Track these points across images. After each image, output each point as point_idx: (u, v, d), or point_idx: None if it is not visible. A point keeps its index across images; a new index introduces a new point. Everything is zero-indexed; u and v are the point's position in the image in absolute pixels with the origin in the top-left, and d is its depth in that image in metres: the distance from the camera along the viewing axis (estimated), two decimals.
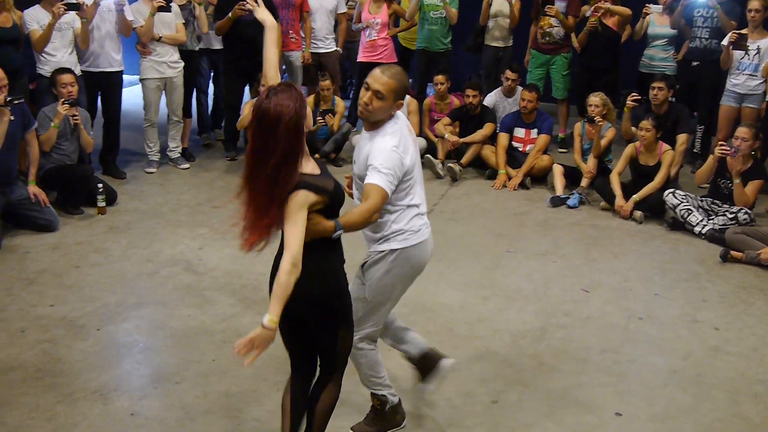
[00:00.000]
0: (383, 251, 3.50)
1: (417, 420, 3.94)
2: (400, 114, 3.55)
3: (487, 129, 8.06)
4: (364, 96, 3.38)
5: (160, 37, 7.49)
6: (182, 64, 7.75)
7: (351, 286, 3.41)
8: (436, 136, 8.30)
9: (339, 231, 3.10)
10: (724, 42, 7.55)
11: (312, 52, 8.81)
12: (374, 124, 3.45)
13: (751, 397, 4.23)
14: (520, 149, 7.97)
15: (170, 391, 4.10)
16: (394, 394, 3.80)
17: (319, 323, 3.21)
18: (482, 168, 8.11)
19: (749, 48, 7.45)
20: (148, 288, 5.27)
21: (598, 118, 7.32)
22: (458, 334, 4.78)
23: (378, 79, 3.35)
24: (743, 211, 6.45)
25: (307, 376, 3.41)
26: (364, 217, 3.21)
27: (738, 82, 7.64)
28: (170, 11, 7.42)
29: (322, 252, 3.12)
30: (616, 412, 4.06)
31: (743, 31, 7.42)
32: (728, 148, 6.48)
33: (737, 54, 7.56)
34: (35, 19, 6.83)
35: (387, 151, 3.32)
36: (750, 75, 7.56)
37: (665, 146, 7.00)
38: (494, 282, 5.55)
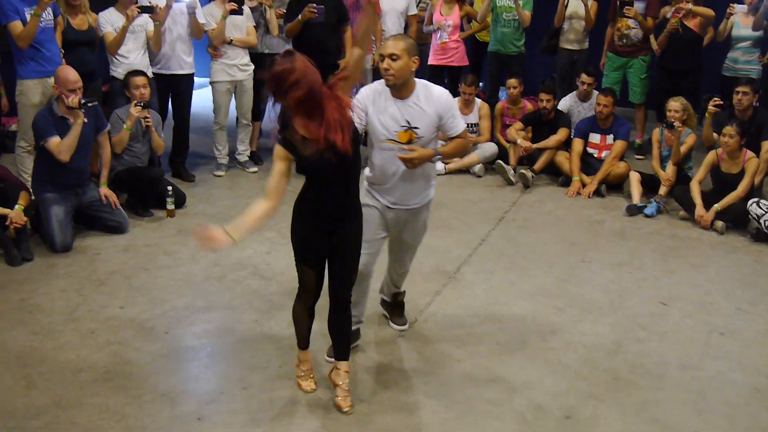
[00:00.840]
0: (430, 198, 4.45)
1: (487, 429, 3.82)
2: None
3: (561, 134, 7.88)
4: (384, 65, 3.91)
5: (231, 40, 7.52)
6: (252, 67, 7.76)
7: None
8: (508, 142, 8.16)
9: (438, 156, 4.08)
10: None
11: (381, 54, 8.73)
12: (404, 87, 3.99)
13: None
14: (596, 155, 7.77)
15: (237, 396, 4.05)
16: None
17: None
18: (556, 175, 7.93)
19: None
20: (216, 292, 5.26)
21: (678, 124, 7.09)
22: (530, 345, 4.64)
23: (388, 46, 3.93)
24: None
25: (317, 297, 3.99)
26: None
27: None
28: (242, 14, 7.46)
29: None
30: (695, 430, 3.88)
31: None
32: None
33: None
34: (109, 21, 6.92)
35: (450, 97, 4.13)
36: None
37: (749, 153, 6.74)
38: (568, 292, 5.39)
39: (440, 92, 4.08)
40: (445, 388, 4.17)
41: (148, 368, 4.30)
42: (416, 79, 4.05)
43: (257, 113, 8.23)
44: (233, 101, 7.86)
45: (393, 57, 3.88)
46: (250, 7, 7.69)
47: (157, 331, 4.69)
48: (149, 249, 5.96)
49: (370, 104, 4.04)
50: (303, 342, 4.10)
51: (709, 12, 8.14)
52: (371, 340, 4.66)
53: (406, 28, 8.99)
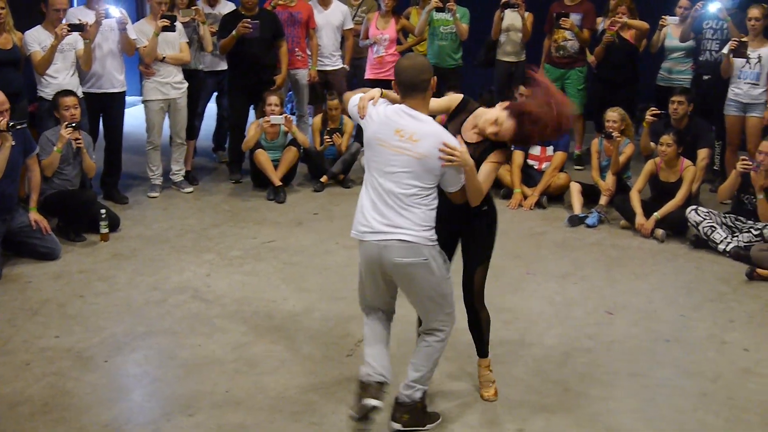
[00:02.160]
0: None
1: None
2: None
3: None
4: None
5: (164, 57, 7.35)
6: (186, 84, 7.61)
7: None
8: None
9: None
10: (725, 50, 7.50)
11: (318, 70, 8.68)
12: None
13: None
14: (536, 167, 7.79)
15: (183, 423, 3.92)
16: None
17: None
18: (497, 187, 7.91)
19: (750, 56, 7.35)
20: (156, 317, 5.09)
21: (616, 134, 7.16)
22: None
23: None
24: None
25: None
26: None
27: (740, 91, 7.55)
28: (174, 30, 7.29)
29: None
30: None
31: (743, 39, 7.32)
32: (750, 163, 6.33)
33: (738, 62, 7.48)
34: (37, 40, 6.69)
35: None
36: (752, 84, 7.48)
37: (686, 162, 6.86)
38: (514, 305, 5.37)
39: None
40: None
41: (88, 399, 4.13)
42: None
43: (191, 132, 8.06)
44: (167, 120, 7.67)
45: None
46: (182, 24, 7.52)
47: (96, 360, 4.52)
48: (83, 275, 5.76)
49: None
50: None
51: (644, 25, 8.29)
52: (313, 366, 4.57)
53: (343, 42, 8.95)
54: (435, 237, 3.65)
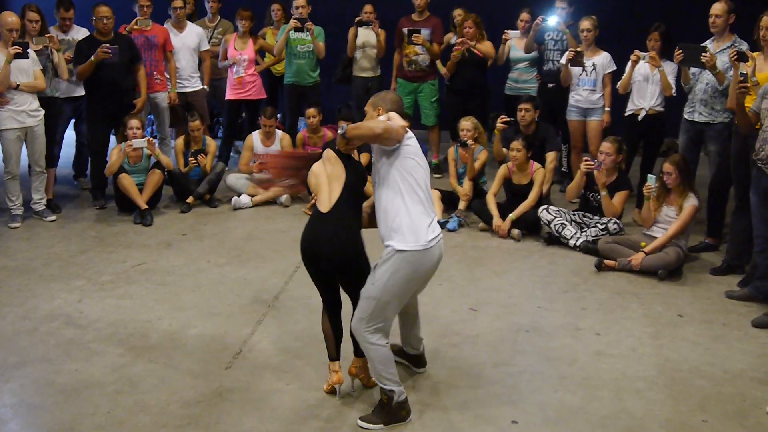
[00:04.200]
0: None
1: None
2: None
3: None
4: None
5: (18, 85, 7.20)
6: (42, 112, 7.45)
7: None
8: None
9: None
10: (563, 60, 7.96)
11: (179, 92, 8.70)
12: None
13: (633, 394, 4.46)
14: None
15: None
16: (402, 391, 4.14)
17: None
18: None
19: (586, 65, 7.86)
20: (29, 346, 5.01)
21: (470, 142, 7.51)
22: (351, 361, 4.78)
23: None
24: (612, 221, 6.78)
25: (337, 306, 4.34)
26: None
27: (580, 97, 8.03)
28: (27, 57, 7.14)
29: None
30: (513, 420, 4.19)
31: (579, 49, 7.82)
32: (592, 163, 6.80)
33: (576, 71, 7.96)
34: None
35: None
36: (590, 90, 7.97)
37: (536, 165, 7.26)
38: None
39: None
40: (278, 412, 4.24)
41: None
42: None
43: (51, 160, 7.89)
44: (24, 149, 7.50)
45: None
46: (35, 51, 7.39)
47: None
48: None
49: None
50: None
51: (491, 52, 8.64)
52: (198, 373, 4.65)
53: (200, 64, 9.00)
54: None
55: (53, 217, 7.69)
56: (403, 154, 3.97)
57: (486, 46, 8.63)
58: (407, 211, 3.96)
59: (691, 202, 6.26)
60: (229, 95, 9.08)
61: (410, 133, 4.04)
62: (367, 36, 9.04)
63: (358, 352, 4.36)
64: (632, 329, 5.30)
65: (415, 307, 4.58)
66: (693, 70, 6.86)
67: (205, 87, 9.05)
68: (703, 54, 6.45)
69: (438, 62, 8.97)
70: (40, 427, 4.12)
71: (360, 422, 4.14)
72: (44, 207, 7.73)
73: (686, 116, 6.99)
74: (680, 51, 6.69)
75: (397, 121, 3.97)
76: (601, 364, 4.81)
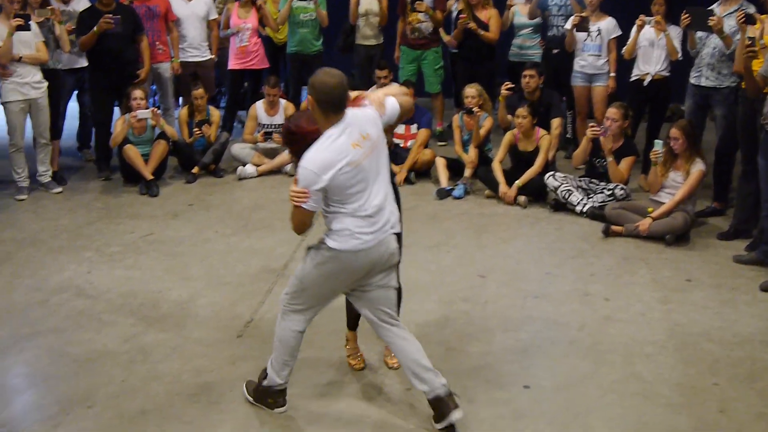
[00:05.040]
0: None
1: (338, 412, 3.95)
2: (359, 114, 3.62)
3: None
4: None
5: (21, 57, 7.17)
6: (46, 83, 7.43)
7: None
8: None
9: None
10: (567, 26, 7.91)
11: (188, 62, 8.67)
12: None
13: (643, 358, 4.49)
14: (402, 145, 8.07)
15: (84, 416, 3.96)
16: (281, 384, 3.95)
17: None
18: None
19: (591, 30, 7.82)
20: (41, 317, 5.04)
21: (476, 109, 7.49)
22: (364, 329, 4.77)
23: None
24: (619, 187, 6.78)
25: None
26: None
27: (585, 63, 7.99)
28: (29, 29, 7.11)
29: None
30: (524, 385, 4.22)
31: (584, 14, 7.78)
32: (599, 129, 6.79)
33: (581, 36, 7.92)
34: None
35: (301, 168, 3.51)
36: (595, 55, 7.93)
37: (541, 131, 7.26)
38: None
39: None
40: (291, 381, 4.25)
41: None
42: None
43: (55, 132, 7.90)
44: (29, 121, 7.49)
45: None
46: (37, 23, 7.35)
47: None
48: None
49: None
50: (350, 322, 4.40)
51: (493, 36, 8.56)
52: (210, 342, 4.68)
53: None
54: None
55: (59, 189, 7.70)
56: None
57: (491, 30, 8.54)
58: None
59: (698, 167, 6.25)
60: (232, 65, 9.03)
61: None
62: (369, 3, 8.99)
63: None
64: (641, 294, 5.32)
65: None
66: (699, 34, 6.82)
67: (214, 57, 9.00)
68: (710, 18, 6.41)
69: (441, 30, 8.91)
70: (56, 397, 4.14)
71: (245, 385, 4.10)
72: (50, 179, 7.74)
73: (692, 81, 6.96)
74: (687, 15, 6.65)
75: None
76: (610, 329, 4.84)
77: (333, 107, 3.50)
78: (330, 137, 3.50)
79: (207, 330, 4.85)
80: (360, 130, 3.56)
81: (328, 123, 3.52)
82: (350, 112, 3.57)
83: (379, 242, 3.67)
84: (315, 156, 3.47)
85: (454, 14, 8.92)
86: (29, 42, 7.23)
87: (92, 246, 6.26)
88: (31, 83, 7.29)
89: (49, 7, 7.52)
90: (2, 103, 7.35)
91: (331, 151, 3.47)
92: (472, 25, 8.41)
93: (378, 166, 3.64)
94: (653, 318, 4.98)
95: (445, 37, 8.89)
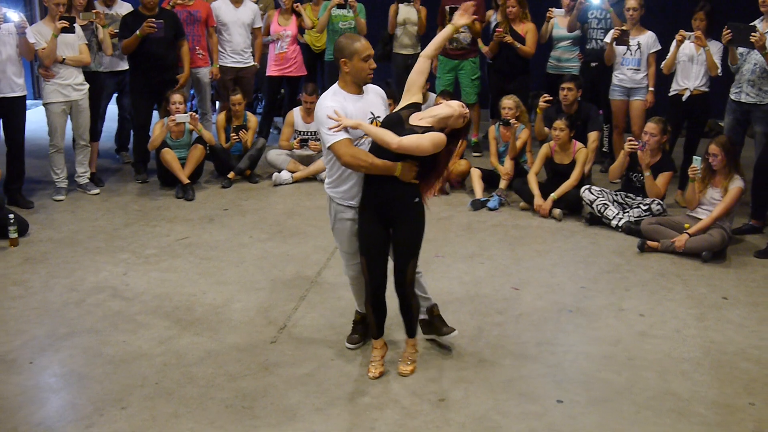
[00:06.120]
0: None
1: (372, 421, 3.96)
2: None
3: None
4: (371, 65, 4.38)
5: (64, 59, 7.28)
6: (87, 86, 7.53)
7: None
8: None
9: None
10: (607, 39, 7.88)
11: (231, 67, 8.74)
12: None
13: (678, 375, 4.44)
14: None
15: (117, 417, 3.99)
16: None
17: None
18: None
19: (631, 44, 7.77)
20: (77, 317, 5.10)
21: (513, 120, 7.48)
22: (397, 338, 4.80)
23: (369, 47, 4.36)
24: (656, 202, 6.72)
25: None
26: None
27: (624, 76, 7.95)
28: (73, 32, 7.22)
29: None
30: (558, 399, 4.19)
31: (624, 28, 7.74)
32: (637, 143, 6.74)
33: (620, 50, 7.88)
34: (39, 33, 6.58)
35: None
36: (634, 69, 7.89)
37: (578, 144, 7.23)
38: (427, 287, 5.57)
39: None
40: (324, 387, 4.28)
41: (17, 400, 4.14)
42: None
43: (95, 133, 8.01)
44: (69, 122, 7.60)
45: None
46: (81, 26, 7.46)
47: (21, 362, 4.52)
48: None
49: (343, 110, 4.21)
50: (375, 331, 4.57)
51: (530, 51, 8.51)
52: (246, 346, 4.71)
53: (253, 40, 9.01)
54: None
55: (97, 191, 7.79)
56: None
57: (527, 44, 8.50)
58: None
59: (736, 183, 6.18)
60: (270, 71, 9.09)
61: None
62: (408, 13, 9.01)
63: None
64: (676, 311, 5.27)
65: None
66: (741, 50, 6.75)
67: (256, 64, 9.05)
68: (753, 34, 6.35)
69: (479, 40, 8.91)
70: (91, 396, 4.19)
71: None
72: (88, 180, 7.84)
73: (733, 97, 6.89)
74: (728, 31, 6.59)
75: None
76: (646, 344, 4.79)
77: None
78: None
79: (241, 335, 4.87)
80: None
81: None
82: None
83: None
84: None
85: (492, 25, 8.89)
86: (72, 44, 7.35)
87: (129, 248, 6.32)
88: (72, 85, 7.40)
89: (94, 11, 7.62)
90: (44, 104, 7.46)
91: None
92: (509, 38, 8.39)
93: None
94: (689, 335, 4.93)
95: (483, 48, 8.87)
